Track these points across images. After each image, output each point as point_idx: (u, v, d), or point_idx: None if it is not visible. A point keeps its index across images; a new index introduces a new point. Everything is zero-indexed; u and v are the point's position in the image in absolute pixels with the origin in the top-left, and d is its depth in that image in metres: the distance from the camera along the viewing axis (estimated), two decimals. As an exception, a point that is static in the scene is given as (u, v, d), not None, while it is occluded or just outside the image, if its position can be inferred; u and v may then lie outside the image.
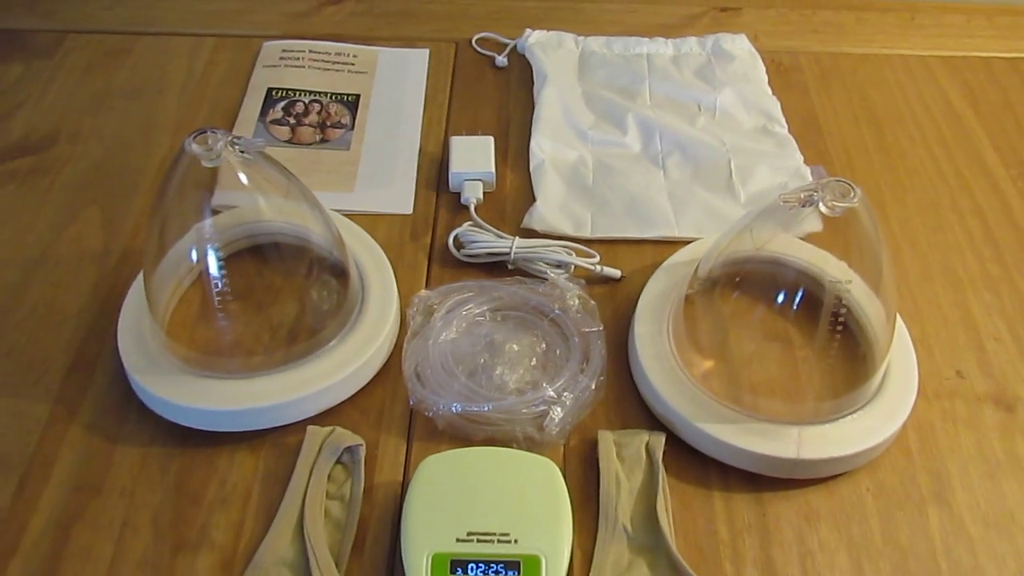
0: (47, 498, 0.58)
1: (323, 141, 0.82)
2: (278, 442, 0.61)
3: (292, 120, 0.83)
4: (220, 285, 0.61)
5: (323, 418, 0.61)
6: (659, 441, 0.60)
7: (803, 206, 0.55)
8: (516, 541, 0.53)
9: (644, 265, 0.71)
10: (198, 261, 0.63)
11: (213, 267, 0.60)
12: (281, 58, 0.89)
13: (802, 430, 0.58)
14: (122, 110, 0.85)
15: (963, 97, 0.89)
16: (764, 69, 0.89)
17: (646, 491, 0.58)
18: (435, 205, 0.77)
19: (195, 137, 0.55)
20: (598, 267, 0.70)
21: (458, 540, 0.53)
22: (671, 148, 0.81)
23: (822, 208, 0.54)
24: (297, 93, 0.85)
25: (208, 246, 0.60)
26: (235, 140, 0.55)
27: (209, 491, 0.59)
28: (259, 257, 0.67)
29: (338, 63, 0.89)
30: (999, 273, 0.73)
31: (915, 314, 0.69)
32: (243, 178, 0.57)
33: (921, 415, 0.63)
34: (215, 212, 0.63)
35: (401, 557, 0.54)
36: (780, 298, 0.64)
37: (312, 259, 0.65)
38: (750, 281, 0.64)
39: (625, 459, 0.59)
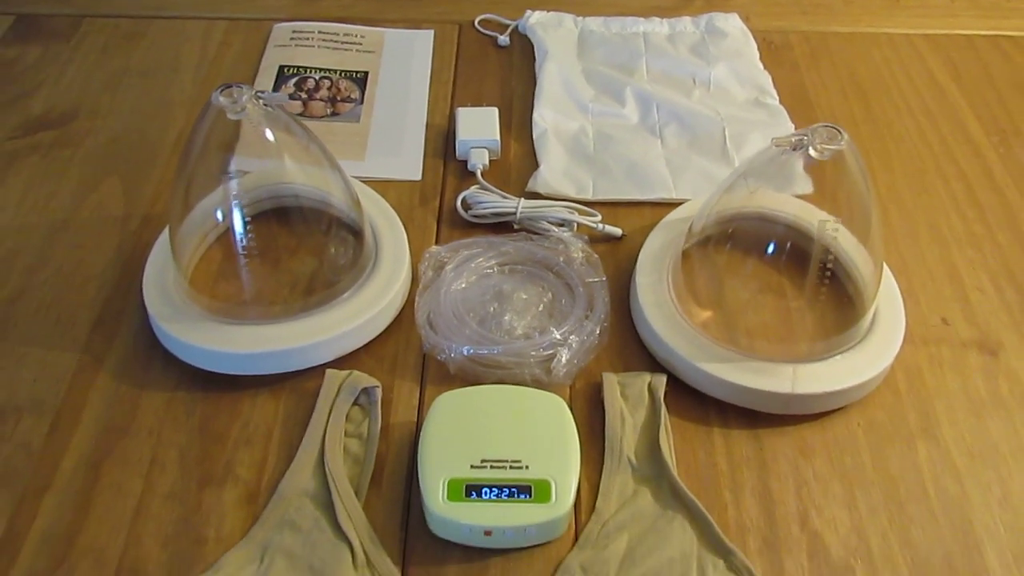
0: (78, 438, 0.61)
1: (334, 115, 0.85)
2: (297, 387, 0.64)
3: (304, 95, 0.86)
4: (242, 239, 0.64)
5: (339, 364, 0.64)
6: (661, 381, 0.63)
7: (794, 149, 0.58)
8: (527, 467, 0.56)
9: (644, 225, 0.74)
10: (223, 217, 0.66)
11: (237, 221, 0.64)
12: (292, 38, 0.93)
13: (796, 367, 0.62)
14: (139, 88, 0.88)
15: (946, 72, 0.93)
16: (756, 46, 0.93)
17: (649, 427, 0.61)
18: (443, 172, 0.80)
19: (221, 91, 0.58)
20: (600, 225, 0.74)
21: (472, 467, 0.55)
22: (668, 119, 0.84)
23: (811, 152, 0.58)
24: (308, 70, 0.89)
25: (232, 201, 0.63)
26: (259, 94, 0.59)
27: (233, 431, 0.62)
28: (280, 214, 0.70)
29: (346, 43, 0.93)
30: (982, 231, 0.76)
31: (903, 268, 0.72)
32: (268, 133, 0.61)
33: (909, 359, 0.66)
34: (240, 174, 0.65)
35: (417, 488, 0.57)
36: (771, 249, 0.68)
37: (330, 215, 0.68)
38: (742, 235, 0.68)
39: (629, 398, 0.62)
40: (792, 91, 0.89)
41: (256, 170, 0.66)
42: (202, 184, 0.64)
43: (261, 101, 0.59)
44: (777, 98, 0.87)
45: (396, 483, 0.59)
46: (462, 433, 0.57)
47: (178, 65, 0.91)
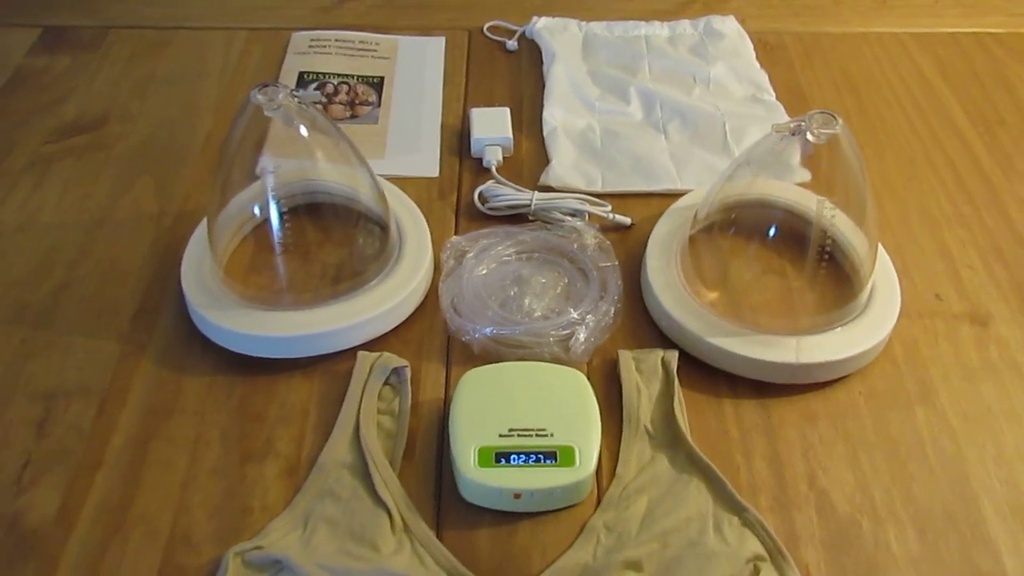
0: (125, 420, 0.64)
1: (353, 117, 0.89)
2: (330, 369, 0.67)
3: (324, 99, 0.90)
4: (277, 232, 0.68)
5: (369, 347, 0.68)
6: (673, 356, 0.67)
7: (792, 134, 0.63)
8: (552, 435, 0.59)
9: (651, 214, 0.78)
10: (259, 211, 0.70)
11: (272, 215, 0.67)
12: (310, 46, 0.97)
13: (800, 340, 0.66)
14: (166, 94, 0.92)
15: (933, 68, 0.98)
16: (752, 46, 0.98)
17: (664, 398, 0.65)
18: (459, 169, 0.84)
19: (260, 89, 0.62)
20: (610, 215, 0.78)
21: (500, 435, 0.59)
22: (671, 115, 0.89)
23: (809, 136, 0.62)
24: (327, 76, 0.93)
25: (268, 195, 0.67)
26: (294, 92, 0.63)
27: (271, 411, 0.65)
28: (311, 207, 0.73)
29: (362, 50, 0.97)
30: (970, 213, 0.81)
31: (897, 249, 0.76)
32: (302, 129, 0.65)
33: (905, 331, 0.70)
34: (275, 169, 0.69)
35: (448, 460, 0.61)
36: (772, 232, 0.72)
37: (358, 209, 0.72)
38: (744, 220, 0.72)
39: (643, 371, 0.66)
40: (788, 88, 0.94)
41: (290, 165, 0.70)
42: (239, 179, 0.68)
43: (296, 99, 0.63)
44: (774, 94, 0.91)
45: (427, 456, 0.63)
46: (489, 405, 0.61)
47: (202, 72, 0.95)
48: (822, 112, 0.62)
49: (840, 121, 0.62)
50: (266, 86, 0.63)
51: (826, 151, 0.64)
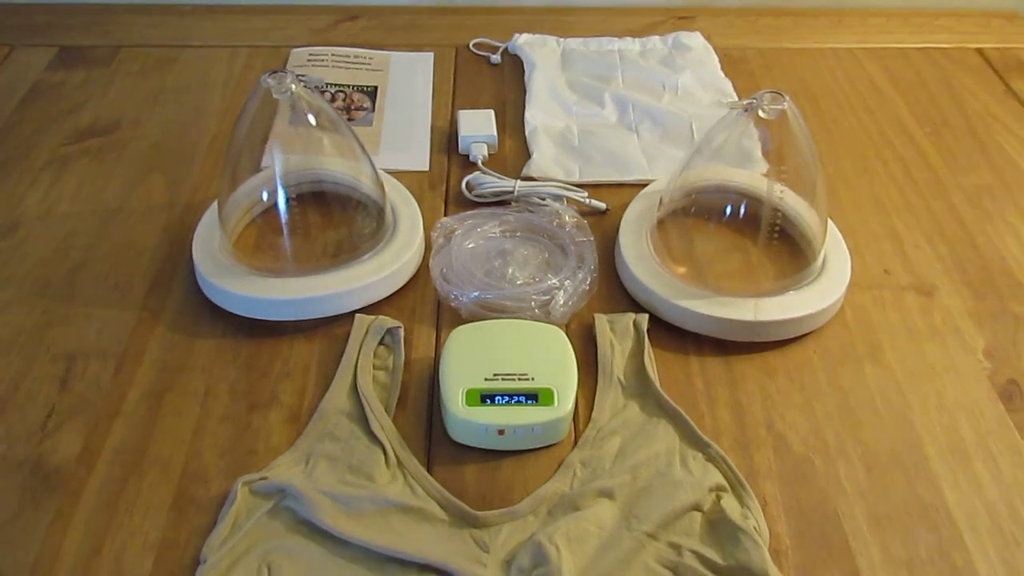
0: (141, 375, 0.70)
1: (349, 120, 0.96)
2: (329, 332, 0.73)
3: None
4: (283, 211, 0.75)
5: (365, 312, 0.74)
6: (643, 318, 0.73)
7: (745, 111, 0.70)
8: (533, 379, 0.65)
9: (625, 201, 0.85)
10: (267, 193, 0.77)
11: (279, 196, 0.74)
12: (308, 60, 1.05)
13: (758, 301, 0.72)
14: (174, 103, 1.00)
15: (884, 78, 1.06)
16: (717, 58, 1.06)
17: (635, 353, 0.71)
18: (447, 164, 0.91)
19: (270, 75, 0.69)
20: (587, 200, 0.85)
21: (486, 379, 0.65)
22: (642, 117, 0.96)
23: (760, 113, 0.69)
24: (324, 85, 1.00)
25: (275, 177, 0.73)
26: (301, 77, 0.70)
27: (275, 367, 0.71)
28: (315, 190, 0.79)
29: (357, 63, 1.05)
30: (918, 201, 0.88)
31: (850, 231, 0.83)
32: (308, 113, 0.72)
33: (856, 300, 0.77)
34: (281, 152, 0.76)
35: (438, 409, 0.66)
36: (729, 211, 0.79)
37: (358, 191, 0.79)
38: (704, 203, 0.79)
39: (617, 331, 0.73)
40: (750, 96, 1.01)
41: (296, 149, 0.77)
42: (248, 162, 0.75)
43: (302, 83, 0.70)
44: (738, 100, 0.99)
45: (419, 405, 0.68)
46: (477, 354, 0.67)
47: (208, 83, 1.02)
48: (771, 91, 0.70)
49: (788, 99, 0.69)
50: (275, 72, 0.70)
51: (776, 127, 0.71)
